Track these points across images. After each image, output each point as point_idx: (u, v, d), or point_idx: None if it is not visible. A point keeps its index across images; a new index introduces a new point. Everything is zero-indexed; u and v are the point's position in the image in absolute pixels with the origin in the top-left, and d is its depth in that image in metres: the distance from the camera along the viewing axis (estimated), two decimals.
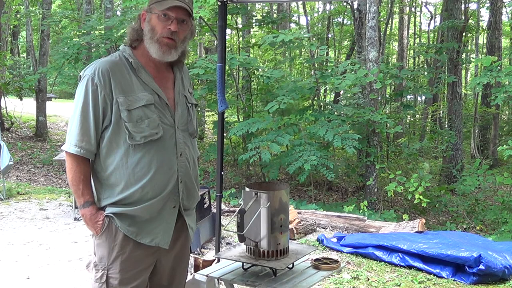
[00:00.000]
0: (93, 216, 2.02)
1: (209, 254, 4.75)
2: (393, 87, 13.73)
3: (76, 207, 6.32)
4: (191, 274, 3.49)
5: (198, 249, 4.86)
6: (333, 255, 4.90)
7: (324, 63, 14.60)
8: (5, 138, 12.62)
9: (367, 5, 8.90)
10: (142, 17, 2.11)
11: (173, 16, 2.04)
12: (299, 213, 6.24)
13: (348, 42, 18.66)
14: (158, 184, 2.04)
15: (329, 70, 9.70)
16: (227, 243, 5.20)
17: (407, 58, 20.41)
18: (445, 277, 4.35)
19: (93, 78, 1.98)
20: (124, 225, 2.02)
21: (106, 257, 2.03)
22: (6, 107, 14.94)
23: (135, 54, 2.09)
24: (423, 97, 17.67)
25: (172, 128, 2.09)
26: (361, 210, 7.27)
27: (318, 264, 2.80)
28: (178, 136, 2.10)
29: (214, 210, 5.30)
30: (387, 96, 11.95)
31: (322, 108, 10.99)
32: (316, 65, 11.18)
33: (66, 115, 18.65)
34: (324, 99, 15.33)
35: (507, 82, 8.09)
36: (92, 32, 11.11)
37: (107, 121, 2.00)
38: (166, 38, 2.04)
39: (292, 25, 16.99)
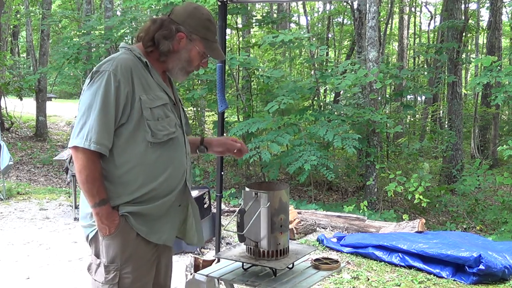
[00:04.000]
0: (110, 214, 1.96)
1: (209, 254, 4.75)
2: (393, 87, 13.73)
3: (76, 207, 6.31)
4: (191, 274, 3.50)
5: (198, 249, 4.86)
6: (333, 255, 4.90)
7: (324, 63, 14.61)
8: (5, 138, 12.61)
9: (367, 5, 8.90)
10: (179, 38, 2.07)
11: (209, 57, 2.17)
12: (299, 213, 6.24)
13: (348, 42, 18.66)
14: (171, 182, 2.06)
15: (329, 70, 9.69)
16: (227, 243, 5.20)
17: (407, 58, 20.41)
18: (445, 277, 4.35)
19: (116, 74, 1.94)
20: (137, 224, 2.01)
21: (119, 257, 2.00)
22: (6, 107, 14.94)
23: (143, 54, 2.09)
24: (423, 97, 17.67)
25: (181, 128, 2.14)
26: (361, 210, 7.27)
27: (318, 264, 2.80)
28: (185, 136, 2.17)
29: (214, 210, 5.30)
30: (387, 96, 11.94)
31: (322, 108, 10.98)
32: (316, 65, 11.18)
33: (66, 115, 18.64)
34: (324, 99, 15.32)
35: (507, 82, 8.09)
36: (92, 32, 11.11)
37: (124, 119, 1.97)
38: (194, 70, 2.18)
39: (292, 25, 16.99)
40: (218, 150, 2.46)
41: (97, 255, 2.05)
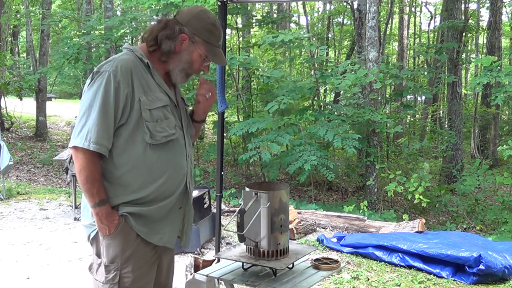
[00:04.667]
0: (110, 214, 1.97)
1: (209, 254, 4.75)
2: (393, 87, 13.73)
3: (76, 207, 6.32)
4: (191, 274, 3.50)
5: (198, 249, 4.86)
6: (333, 255, 4.90)
7: (324, 63, 14.61)
8: (5, 138, 12.61)
9: (367, 5, 8.90)
10: (182, 39, 2.07)
11: (210, 61, 2.15)
12: (299, 213, 6.24)
13: (348, 42, 18.66)
14: (171, 185, 2.06)
15: (329, 70, 9.68)
16: (227, 243, 5.20)
17: (407, 58, 20.41)
18: (445, 277, 4.35)
19: (116, 75, 1.94)
20: (137, 225, 2.02)
21: (119, 257, 2.01)
22: (6, 107, 14.93)
23: (146, 55, 2.09)
24: (423, 97, 17.67)
25: (181, 130, 2.14)
26: (361, 210, 7.27)
27: (318, 264, 2.80)
28: (186, 137, 2.16)
29: (214, 210, 5.30)
30: (387, 96, 11.94)
31: (322, 108, 10.98)
32: (316, 65, 11.18)
33: (66, 115, 18.64)
34: (324, 99, 15.32)
35: (507, 82, 8.08)
36: (92, 32, 11.11)
37: (123, 119, 1.97)
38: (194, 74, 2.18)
39: (292, 25, 16.99)
40: (198, 110, 2.32)
41: (98, 254, 2.06)
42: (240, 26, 12.45)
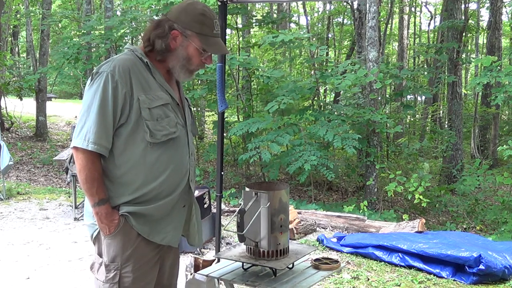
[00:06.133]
0: (109, 214, 1.98)
1: (209, 254, 4.75)
2: (393, 87, 13.73)
3: (76, 207, 6.32)
4: (191, 274, 3.49)
5: (198, 249, 4.86)
6: (333, 255, 4.90)
7: (324, 63, 14.60)
8: (5, 138, 12.61)
9: (367, 5, 8.90)
10: (174, 35, 2.05)
11: (209, 52, 2.10)
12: (299, 213, 6.24)
13: (348, 42, 18.67)
14: (172, 183, 2.06)
15: (329, 70, 9.68)
16: (227, 243, 5.20)
17: (407, 58, 20.40)
18: (445, 277, 4.35)
19: (114, 75, 1.95)
20: (138, 224, 2.02)
21: (120, 257, 2.01)
22: (6, 107, 14.93)
23: (146, 55, 2.09)
24: (423, 97, 17.68)
25: (184, 128, 2.14)
26: (361, 210, 7.27)
27: (318, 264, 2.80)
28: (189, 135, 2.16)
29: (214, 210, 5.30)
30: (387, 96, 11.94)
31: (322, 108, 10.98)
32: (316, 65, 11.18)
33: (66, 115, 18.65)
34: (324, 99, 15.32)
35: (507, 82, 8.08)
36: (92, 32, 11.11)
37: (123, 119, 1.98)
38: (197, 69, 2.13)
39: (292, 25, 16.99)
40: None
41: (100, 254, 2.07)
42: (240, 26, 12.45)
